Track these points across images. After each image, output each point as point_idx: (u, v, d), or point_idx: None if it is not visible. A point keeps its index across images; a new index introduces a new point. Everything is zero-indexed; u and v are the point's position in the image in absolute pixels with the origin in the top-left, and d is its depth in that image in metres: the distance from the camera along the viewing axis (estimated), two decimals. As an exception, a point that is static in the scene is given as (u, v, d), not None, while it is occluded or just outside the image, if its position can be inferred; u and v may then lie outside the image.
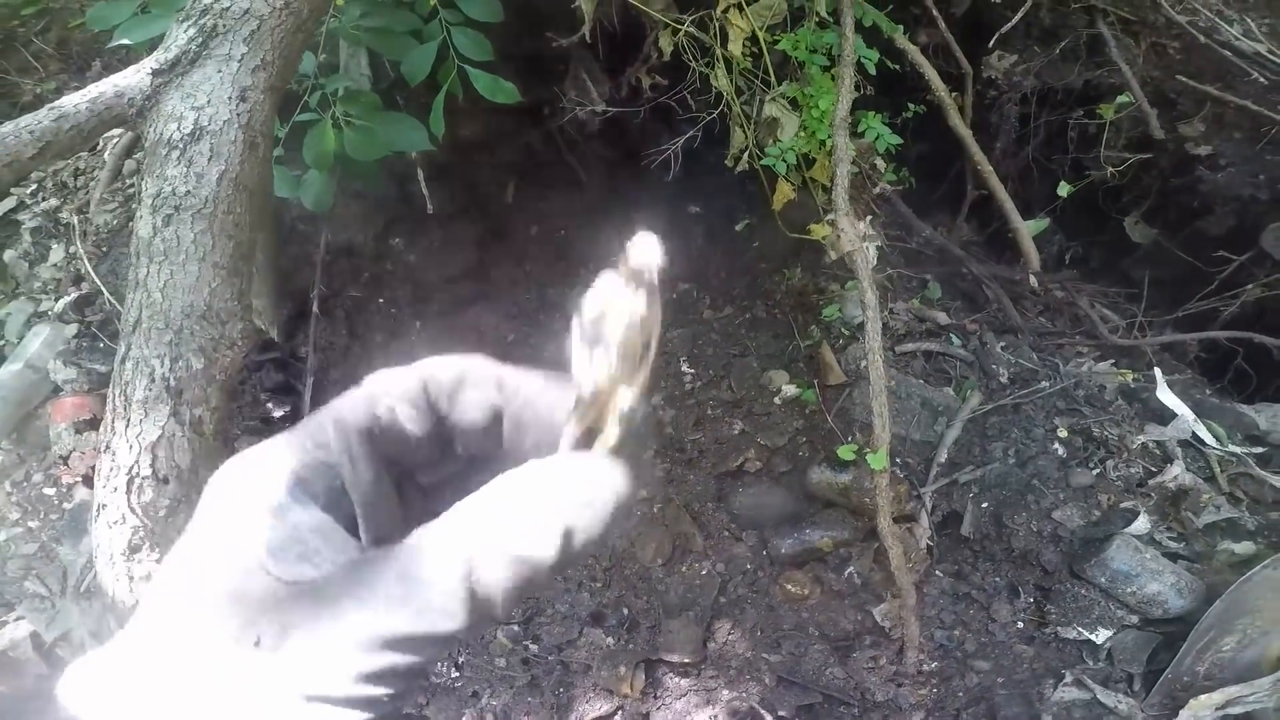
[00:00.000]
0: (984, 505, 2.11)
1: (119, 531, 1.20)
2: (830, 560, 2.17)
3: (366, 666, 0.32)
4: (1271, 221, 2.49)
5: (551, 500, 0.35)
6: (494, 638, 2.26)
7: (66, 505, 2.23)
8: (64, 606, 2.27)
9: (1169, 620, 2.05)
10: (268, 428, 2.21)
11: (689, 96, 2.41)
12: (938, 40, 2.53)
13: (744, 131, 2.28)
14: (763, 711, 2.05)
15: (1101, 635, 2.07)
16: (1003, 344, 2.34)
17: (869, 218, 2.37)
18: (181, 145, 1.19)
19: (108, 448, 1.15)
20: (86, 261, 2.14)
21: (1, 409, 2.26)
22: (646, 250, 0.38)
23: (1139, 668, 2.03)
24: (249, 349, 1.17)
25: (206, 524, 0.36)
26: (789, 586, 2.16)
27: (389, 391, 0.39)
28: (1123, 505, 2.09)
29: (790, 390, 2.35)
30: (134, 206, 1.48)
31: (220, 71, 1.25)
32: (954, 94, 2.35)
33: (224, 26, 1.28)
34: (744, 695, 2.09)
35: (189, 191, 1.14)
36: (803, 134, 2.02)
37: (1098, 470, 2.12)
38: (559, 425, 0.39)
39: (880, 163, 2.37)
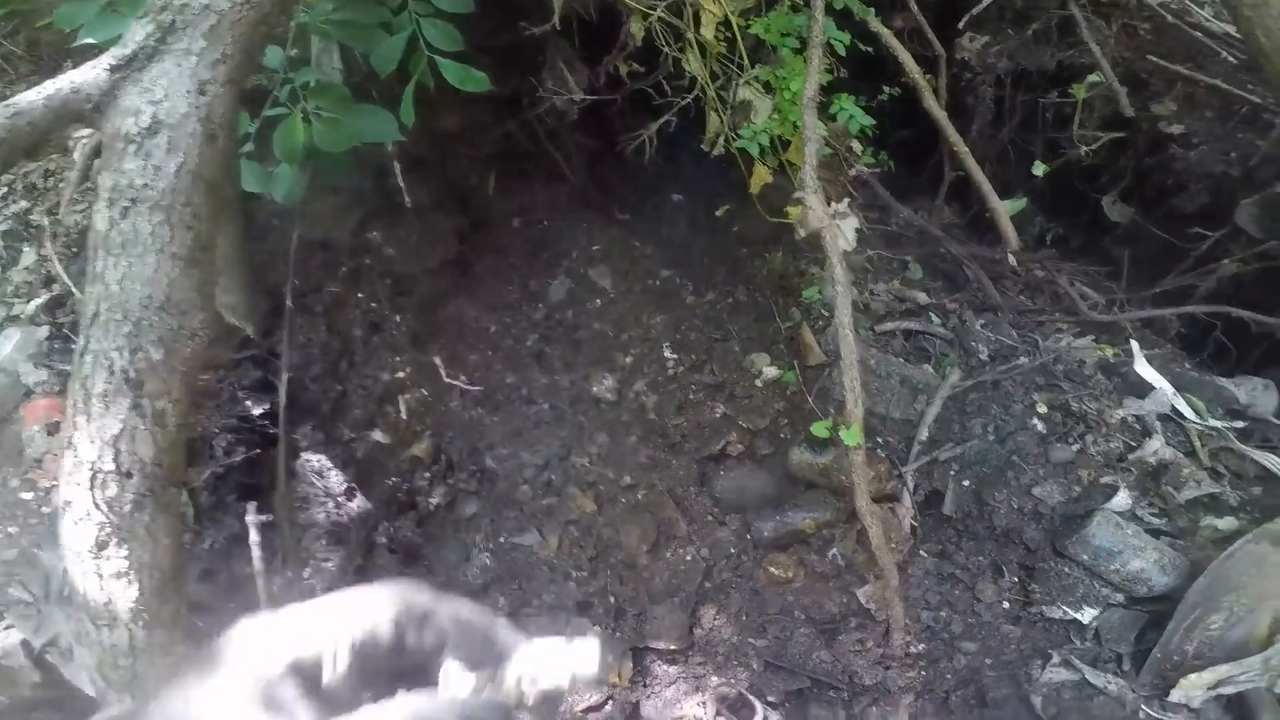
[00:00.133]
0: (965, 483, 2.11)
1: (85, 528, 1.19)
2: (813, 542, 2.17)
3: None
4: (1244, 197, 2.52)
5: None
6: (482, 631, 2.26)
7: (45, 509, 2.22)
8: (49, 611, 2.26)
9: (1155, 598, 2.05)
10: (246, 425, 2.20)
11: (666, 84, 2.41)
12: (911, 24, 2.53)
13: (719, 116, 2.27)
14: (752, 698, 2.05)
15: (1087, 614, 2.07)
16: (982, 322, 2.35)
17: (846, 200, 2.36)
18: (139, 139, 1.19)
19: (70, 443, 1.14)
20: (57, 263, 2.13)
21: (-24, 414, 2.25)
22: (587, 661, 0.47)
23: (1127, 647, 2.03)
24: (211, 340, 1.17)
25: (206, 688, 0.43)
26: (772, 570, 2.17)
27: (375, 608, 0.48)
28: (1103, 481, 2.09)
29: (771, 372, 2.35)
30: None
31: (179, 66, 1.25)
32: (928, 77, 2.35)
33: (183, 22, 1.28)
34: (732, 681, 2.09)
35: (146, 184, 1.14)
36: (776, 116, 2.02)
37: (1077, 446, 2.12)
38: (480, 669, 0.48)
39: (857, 145, 2.37)
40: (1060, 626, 2.09)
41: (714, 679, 2.11)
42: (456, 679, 0.47)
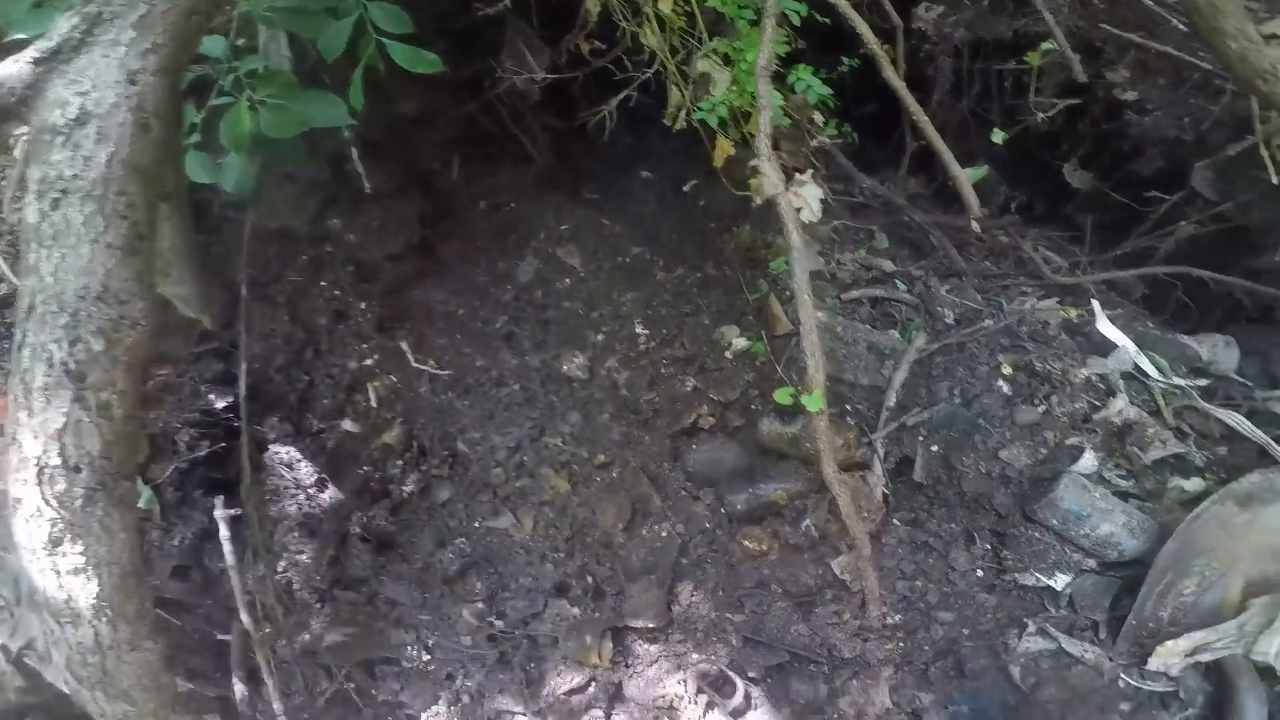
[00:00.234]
0: (934, 448, 2.12)
1: (37, 525, 1.17)
2: (786, 514, 2.18)
3: None
4: (1198, 161, 2.56)
5: None
6: (459, 616, 2.25)
7: (5, 511, 2.18)
8: (22, 615, 2.23)
9: (1127, 564, 2.06)
10: (210, 419, 2.18)
11: (627, 59, 2.39)
12: (869, -6, 2.52)
13: (680, 90, 2.26)
14: (733, 675, 2.05)
15: (1060, 581, 2.07)
16: (947, 287, 2.36)
17: (810, 171, 2.36)
18: (66, 131, 1.18)
19: (14, 439, 1.12)
20: (1, 261, 2.08)
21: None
22: None
23: (1102, 614, 2.03)
24: (157, 329, 1.15)
25: None
26: (747, 543, 2.17)
27: None
28: (1069, 442, 2.11)
29: (741, 344, 2.36)
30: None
31: (106, 56, 1.24)
32: (886, 47, 2.34)
33: (110, 13, 1.27)
34: (713, 658, 2.09)
35: (76, 175, 1.13)
36: (734, 88, 2.01)
37: (1043, 407, 2.13)
38: None
39: (818, 116, 2.36)
40: (1034, 594, 2.09)
41: (694, 656, 2.11)
42: None
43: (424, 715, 2.16)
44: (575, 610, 2.21)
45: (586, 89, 2.61)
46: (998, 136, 2.27)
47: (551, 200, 2.94)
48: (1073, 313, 2.36)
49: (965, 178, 2.41)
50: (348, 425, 2.42)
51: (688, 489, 2.30)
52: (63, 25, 1.25)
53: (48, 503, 1.15)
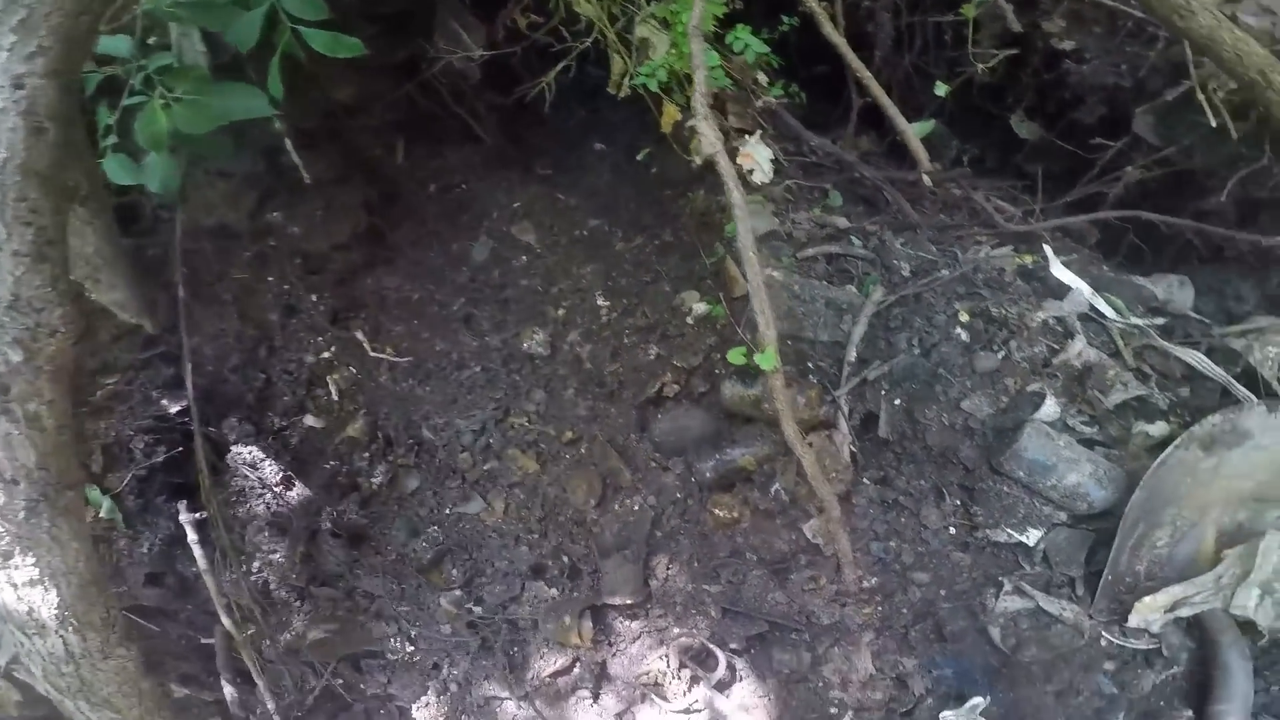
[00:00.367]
0: (896, 402, 2.11)
1: (-18, 541, 1.14)
2: (755, 479, 2.17)
3: None
4: (1138, 107, 2.57)
5: None
6: (438, 605, 2.24)
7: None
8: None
9: (1097, 515, 2.02)
10: (164, 424, 2.12)
11: (566, 32, 2.34)
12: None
13: (622, 57, 2.22)
14: (714, 648, 2.04)
15: (1033, 536, 2.03)
16: (902, 240, 2.35)
17: (759, 131, 2.33)
18: None
19: (-58, 457, 1.08)
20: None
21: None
22: None
23: (1078, 569, 2.00)
24: (81, 335, 1.11)
25: None
26: (718, 511, 2.17)
27: None
28: (1030, 389, 2.10)
29: (701, 308, 2.34)
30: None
31: None
32: (824, 5, 2.32)
33: None
34: (693, 631, 2.08)
35: None
36: (673, 51, 1.98)
37: (1002, 352, 2.13)
38: None
39: (762, 77, 2.33)
40: (1008, 551, 2.05)
41: (675, 630, 2.10)
42: None
43: (414, 706, 2.16)
44: (553, 591, 2.21)
45: (529, 63, 2.56)
46: (940, 89, 2.27)
47: (503, 178, 2.89)
48: (1028, 259, 2.37)
49: (913, 132, 2.42)
50: (310, 420, 2.38)
51: (656, 460, 2.29)
52: (-63, 34, 1.19)
53: (-12, 519, 1.12)
